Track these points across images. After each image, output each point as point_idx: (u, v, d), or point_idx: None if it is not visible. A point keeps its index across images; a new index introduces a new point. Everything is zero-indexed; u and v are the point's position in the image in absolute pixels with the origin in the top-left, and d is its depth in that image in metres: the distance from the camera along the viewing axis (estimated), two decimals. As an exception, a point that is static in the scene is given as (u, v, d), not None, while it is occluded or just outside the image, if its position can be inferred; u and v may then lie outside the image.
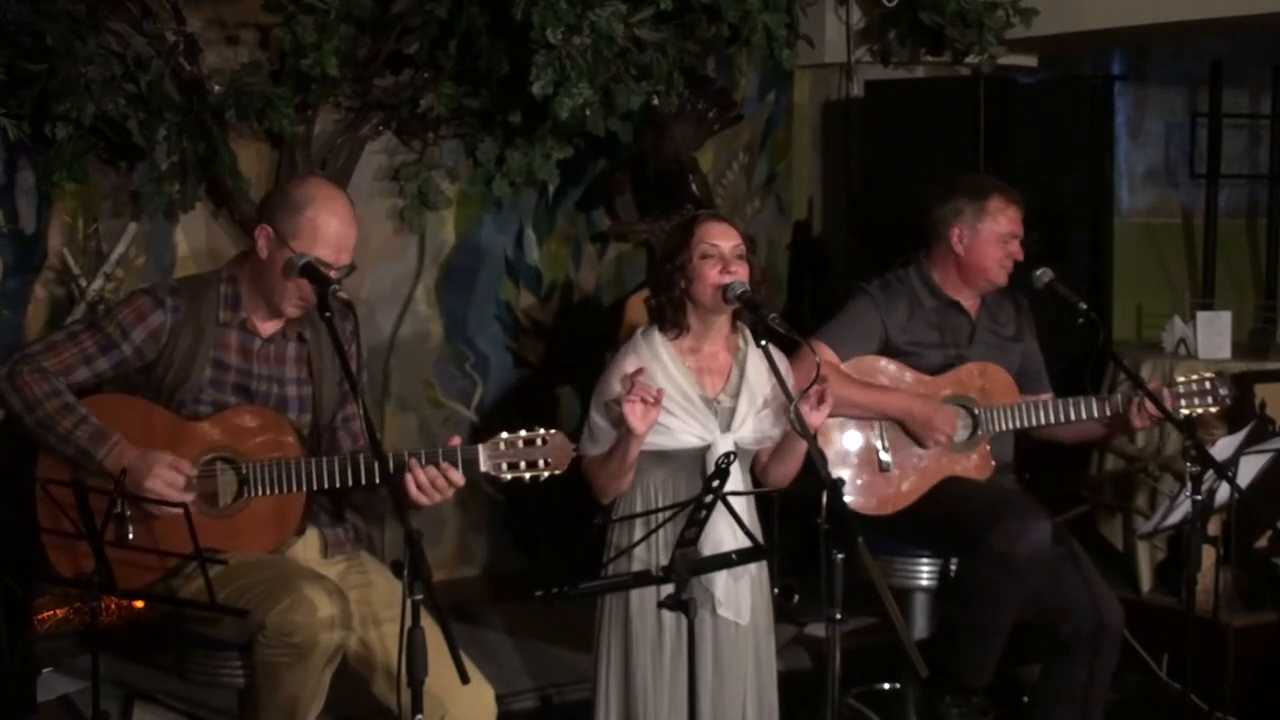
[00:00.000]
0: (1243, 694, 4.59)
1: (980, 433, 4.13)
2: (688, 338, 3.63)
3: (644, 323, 3.72)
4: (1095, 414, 4.14)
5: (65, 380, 3.30)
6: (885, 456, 4.09)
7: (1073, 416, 4.14)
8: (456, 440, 3.29)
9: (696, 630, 3.06)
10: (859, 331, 4.13)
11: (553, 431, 3.32)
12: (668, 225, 4.82)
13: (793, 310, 6.01)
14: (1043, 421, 4.14)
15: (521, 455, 3.30)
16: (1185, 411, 4.12)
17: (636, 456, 3.48)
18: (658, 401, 3.41)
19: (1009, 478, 4.30)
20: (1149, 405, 4.03)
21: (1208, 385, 4.15)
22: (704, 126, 5.54)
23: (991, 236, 4.14)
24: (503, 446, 3.30)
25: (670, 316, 3.61)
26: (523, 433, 3.31)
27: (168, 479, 3.23)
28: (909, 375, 4.14)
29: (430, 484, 3.24)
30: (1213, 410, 4.18)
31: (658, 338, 3.63)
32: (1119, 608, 4.07)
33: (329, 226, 3.32)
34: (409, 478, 3.23)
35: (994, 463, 4.16)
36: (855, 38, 5.93)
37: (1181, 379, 4.19)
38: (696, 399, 3.58)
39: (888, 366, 4.14)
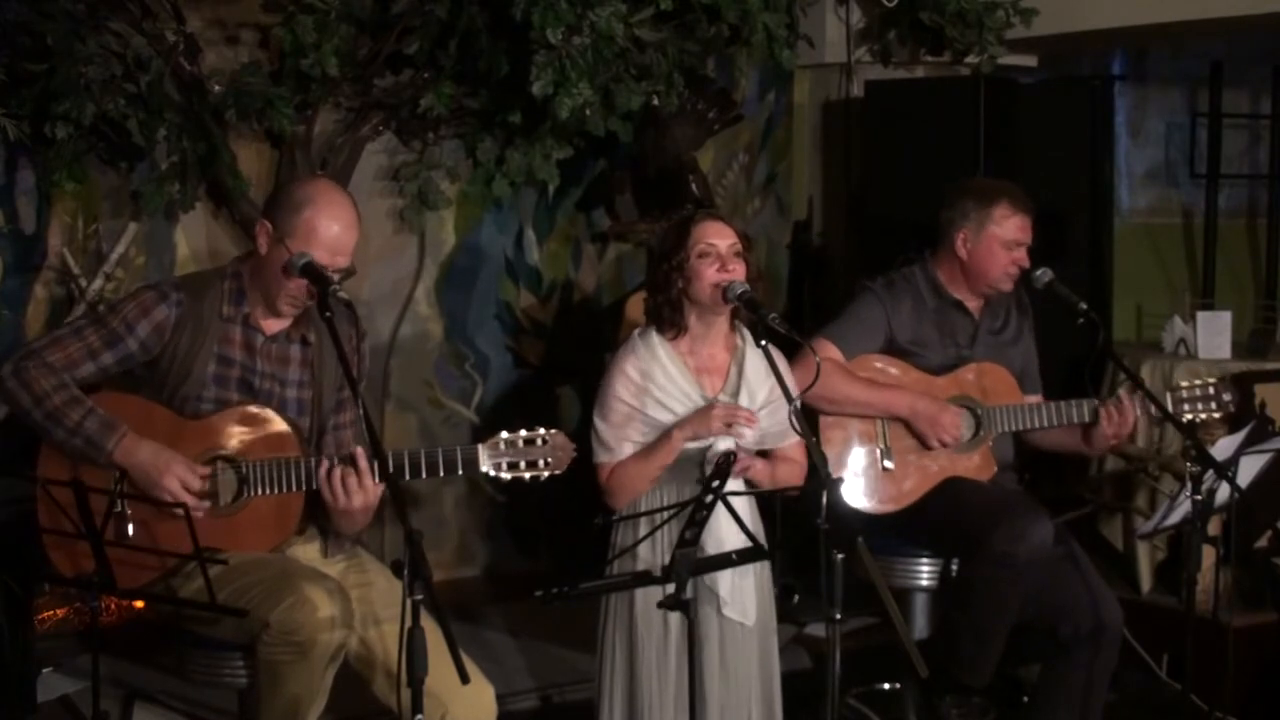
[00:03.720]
0: (1243, 694, 4.59)
1: (982, 433, 4.13)
2: (685, 338, 3.62)
3: (644, 323, 3.72)
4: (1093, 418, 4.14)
5: (70, 375, 3.30)
6: (887, 463, 4.09)
7: (1074, 419, 4.14)
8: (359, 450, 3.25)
9: (702, 631, 3.06)
10: (864, 329, 4.13)
11: (553, 431, 3.32)
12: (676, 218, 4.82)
13: (793, 310, 6.01)
14: (1044, 424, 4.14)
15: (521, 455, 3.30)
16: (1188, 416, 4.12)
17: None
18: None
19: (1010, 478, 4.30)
20: (1122, 412, 4.04)
21: (1211, 390, 4.14)
22: (704, 126, 5.54)
23: (996, 243, 4.13)
24: (503, 446, 3.30)
25: (668, 317, 3.61)
26: (523, 432, 3.30)
27: (184, 481, 3.25)
28: (911, 374, 4.14)
29: (340, 480, 3.22)
30: (1216, 416, 4.18)
31: (655, 338, 3.62)
32: (1118, 608, 4.07)
33: (327, 229, 3.31)
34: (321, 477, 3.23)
35: (995, 463, 4.16)
36: (855, 38, 5.94)
37: (1184, 384, 4.18)
38: (696, 399, 3.57)
39: (890, 366, 4.14)
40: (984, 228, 4.13)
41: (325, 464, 3.25)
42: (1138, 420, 4.18)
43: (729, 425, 3.49)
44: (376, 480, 3.21)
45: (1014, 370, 4.23)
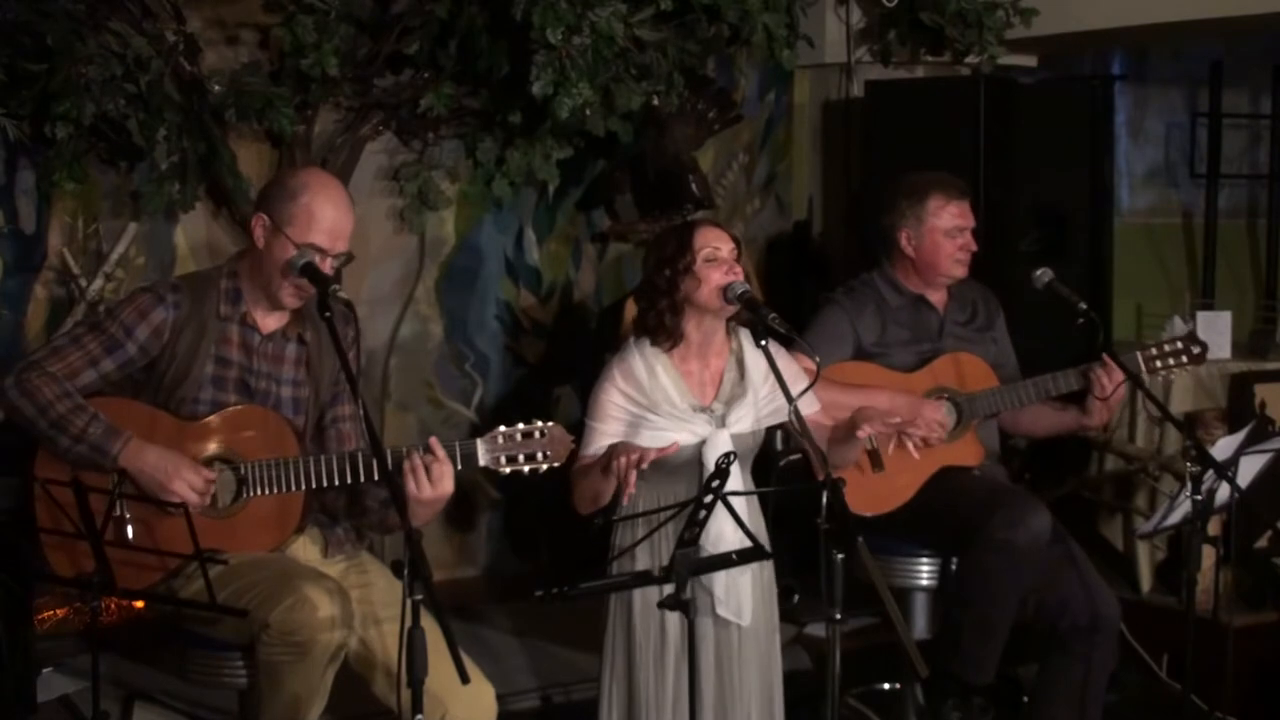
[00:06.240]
0: (1243, 694, 4.59)
1: (965, 420, 4.16)
2: (681, 348, 3.60)
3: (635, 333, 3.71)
4: (1074, 386, 4.17)
5: (72, 384, 3.30)
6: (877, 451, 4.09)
7: (1051, 391, 4.18)
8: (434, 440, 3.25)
9: (699, 632, 3.05)
10: (832, 339, 4.18)
11: (551, 424, 3.32)
12: (668, 225, 4.81)
13: (793, 310, 6.00)
14: (1023, 400, 4.19)
15: (520, 448, 3.30)
16: (1162, 373, 4.19)
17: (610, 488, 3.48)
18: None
19: (1000, 471, 4.33)
20: (1109, 371, 4.07)
21: (1179, 345, 4.20)
22: (704, 126, 5.54)
23: (938, 234, 4.21)
24: (501, 440, 3.30)
25: (668, 324, 3.56)
26: (521, 425, 3.31)
27: (192, 483, 3.25)
28: (887, 375, 4.17)
29: (424, 470, 3.20)
30: (1187, 366, 4.22)
31: (650, 349, 3.59)
32: (1115, 603, 4.10)
33: (324, 213, 3.32)
34: (408, 472, 3.21)
35: (983, 448, 4.20)
36: (855, 38, 5.94)
37: (1152, 342, 4.24)
38: (687, 408, 3.55)
39: (863, 369, 4.17)
40: (923, 222, 4.21)
41: (410, 454, 3.21)
42: (1124, 389, 4.19)
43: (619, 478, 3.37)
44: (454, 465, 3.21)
45: (988, 356, 4.29)
